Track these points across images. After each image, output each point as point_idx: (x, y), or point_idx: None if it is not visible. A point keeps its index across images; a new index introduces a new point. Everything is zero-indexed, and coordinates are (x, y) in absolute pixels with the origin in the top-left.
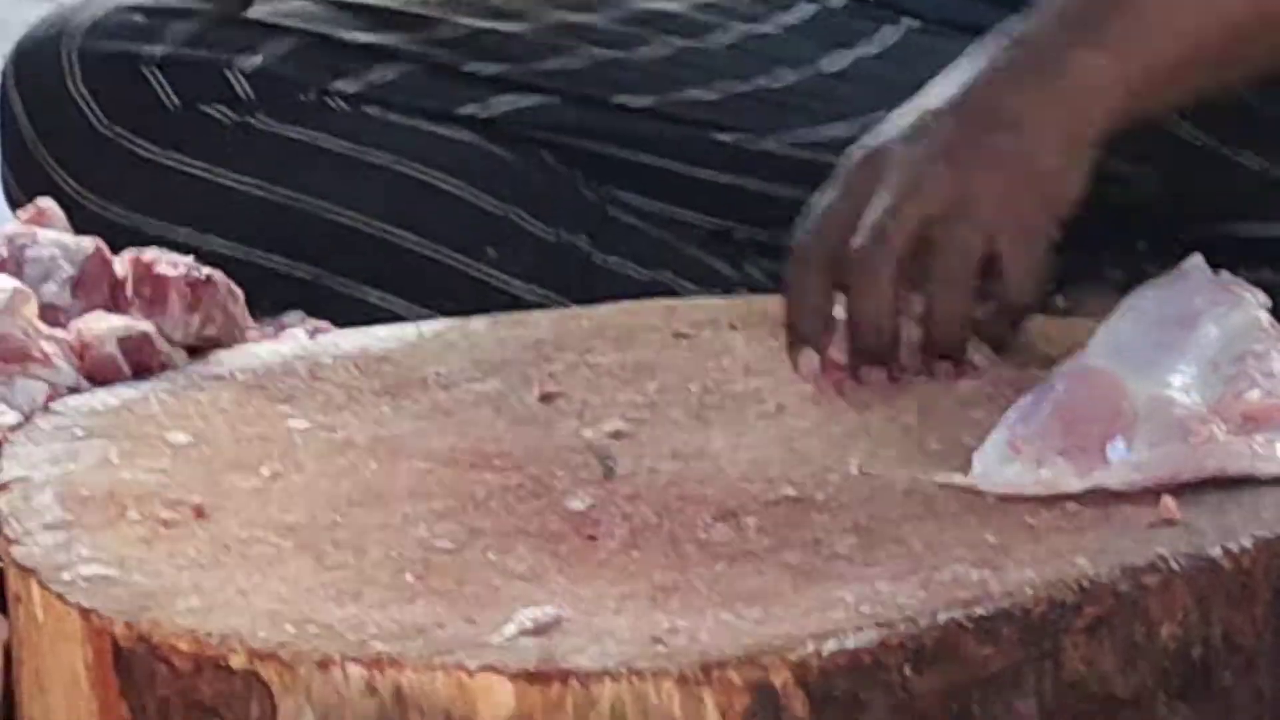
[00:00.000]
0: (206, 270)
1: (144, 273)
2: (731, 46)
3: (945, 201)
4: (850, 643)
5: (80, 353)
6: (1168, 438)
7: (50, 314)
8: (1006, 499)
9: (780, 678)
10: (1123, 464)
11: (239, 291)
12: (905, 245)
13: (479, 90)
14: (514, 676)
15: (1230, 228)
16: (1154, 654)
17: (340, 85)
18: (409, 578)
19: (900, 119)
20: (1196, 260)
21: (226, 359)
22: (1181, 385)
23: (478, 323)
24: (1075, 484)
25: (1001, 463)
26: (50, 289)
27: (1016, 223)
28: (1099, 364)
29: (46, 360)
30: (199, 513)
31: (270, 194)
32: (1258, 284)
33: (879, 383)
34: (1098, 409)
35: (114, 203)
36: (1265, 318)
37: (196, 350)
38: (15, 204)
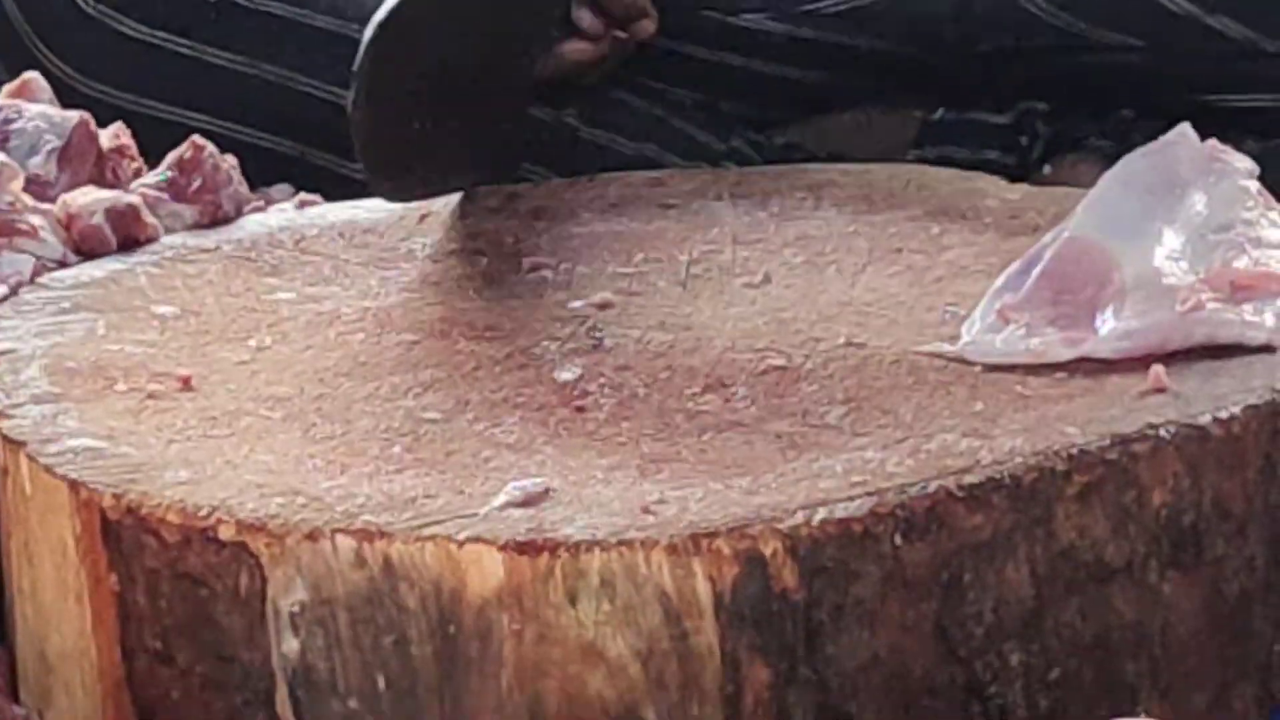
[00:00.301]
0: (199, 141)
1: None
2: None
3: None
4: (840, 512)
5: (67, 225)
6: (1157, 307)
7: (37, 187)
8: (995, 369)
9: (770, 547)
10: (1112, 333)
11: (231, 159)
12: None
13: None
14: (503, 547)
15: (1215, 98)
16: (1145, 521)
17: None
18: (397, 449)
19: None
20: (1184, 129)
21: (213, 232)
22: (1170, 254)
23: (464, 195)
24: (1065, 353)
25: (990, 332)
26: (36, 162)
27: None
28: (1086, 234)
29: (33, 233)
30: (187, 385)
31: (256, 70)
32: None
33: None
34: (1086, 279)
35: (101, 82)
36: (1253, 186)
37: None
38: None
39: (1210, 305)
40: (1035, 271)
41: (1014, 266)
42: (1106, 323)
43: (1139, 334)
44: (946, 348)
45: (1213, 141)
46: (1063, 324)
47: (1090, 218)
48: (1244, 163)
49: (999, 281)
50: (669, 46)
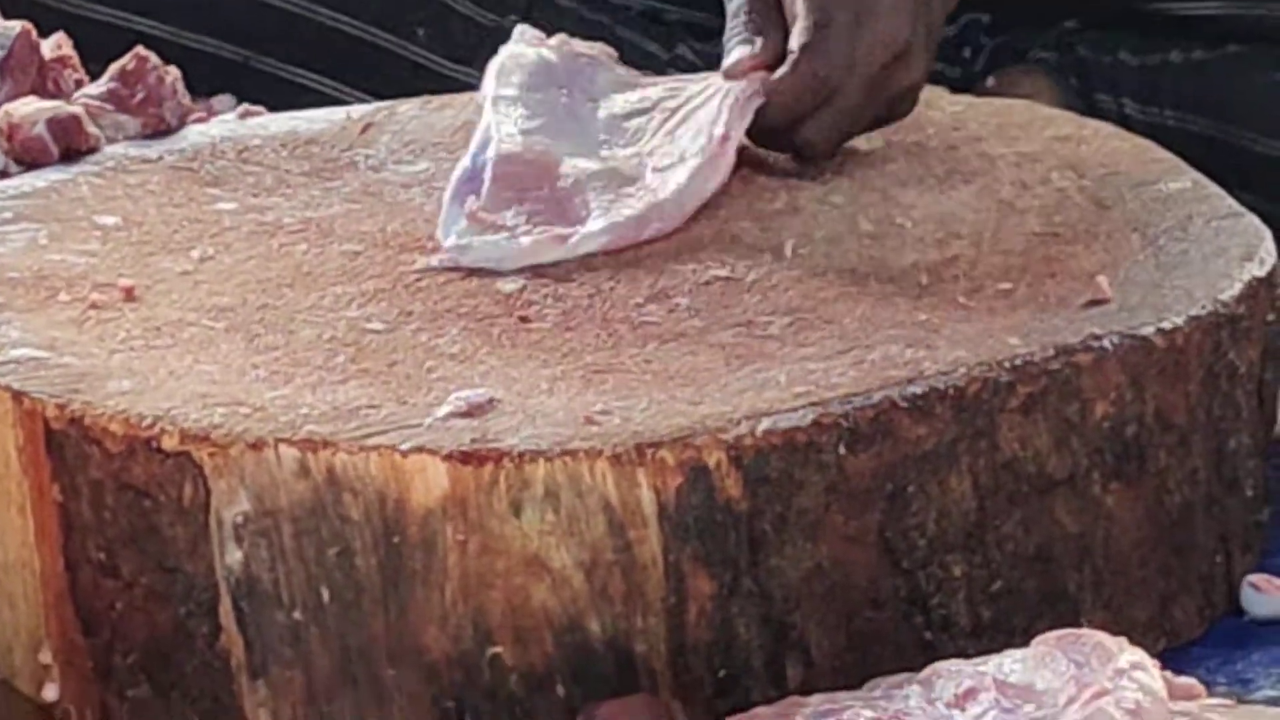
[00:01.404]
0: (143, 52)
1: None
2: None
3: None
4: (784, 422)
5: (9, 136)
6: (621, 198)
7: None
8: (938, 281)
9: (714, 457)
10: (596, 228)
11: (174, 71)
12: None
13: None
14: (447, 457)
15: (1159, 6)
16: (1088, 433)
17: None
18: (341, 359)
19: None
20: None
21: (155, 142)
22: (599, 143)
23: (408, 105)
24: (561, 251)
25: (470, 235)
26: None
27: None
28: (519, 143)
29: None
30: (129, 295)
31: None
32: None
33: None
34: (539, 179)
35: None
36: (621, 71)
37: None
38: None
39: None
40: (488, 174)
41: (460, 169)
42: (586, 217)
43: (621, 226)
44: (434, 260)
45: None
46: (540, 221)
47: (513, 132)
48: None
49: (456, 184)
50: None
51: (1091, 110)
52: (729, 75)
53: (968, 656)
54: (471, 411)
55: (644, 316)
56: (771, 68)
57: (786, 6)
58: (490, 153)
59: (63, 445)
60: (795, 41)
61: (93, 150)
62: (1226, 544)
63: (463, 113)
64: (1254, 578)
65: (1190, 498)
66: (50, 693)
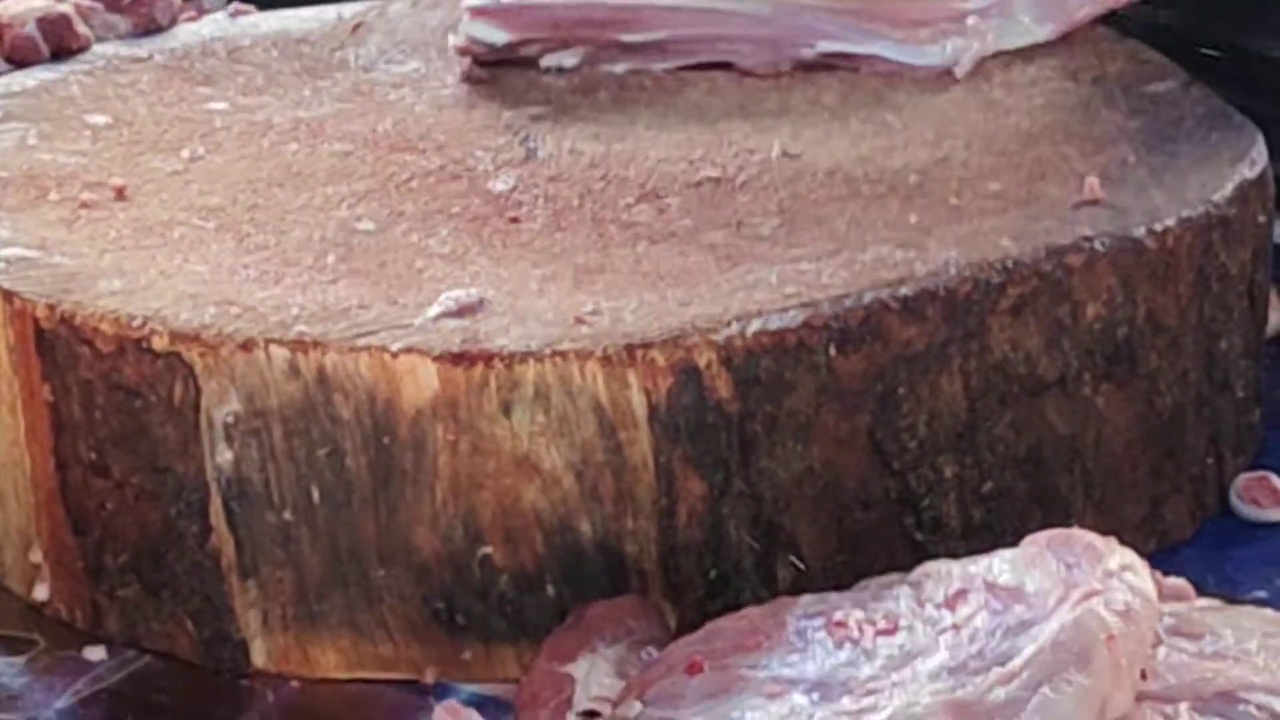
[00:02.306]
0: None
1: None
2: None
3: None
4: (774, 323)
5: None
6: None
7: None
8: (929, 180)
9: (704, 358)
10: None
11: None
12: None
13: None
14: (437, 358)
15: None
16: (1079, 335)
17: None
18: (331, 259)
19: None
20: None
21: (146, 41)
22: None
23: (398, 4)
24: None
25: None
26: None
27: None
28: None
29: None
30: (120, 194)
31: None
32: None
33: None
34: None
35: None
36: None
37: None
38: None
39: None
40: None
41: None
42: None
43: None
44: None
45: None
46: None
47: None
48: None
49: None
50: None
51: None
52: None
53: (958, 557)
54: (462, 312)
55: (634, 217)
56: None
57: None
58: None
59: (53, 345)
60: None
61: (83, 49)
62: (1217, 445)
63: (453, 12)
64: (1245, 482)
65: (1181, 399)
66: (41, 592)
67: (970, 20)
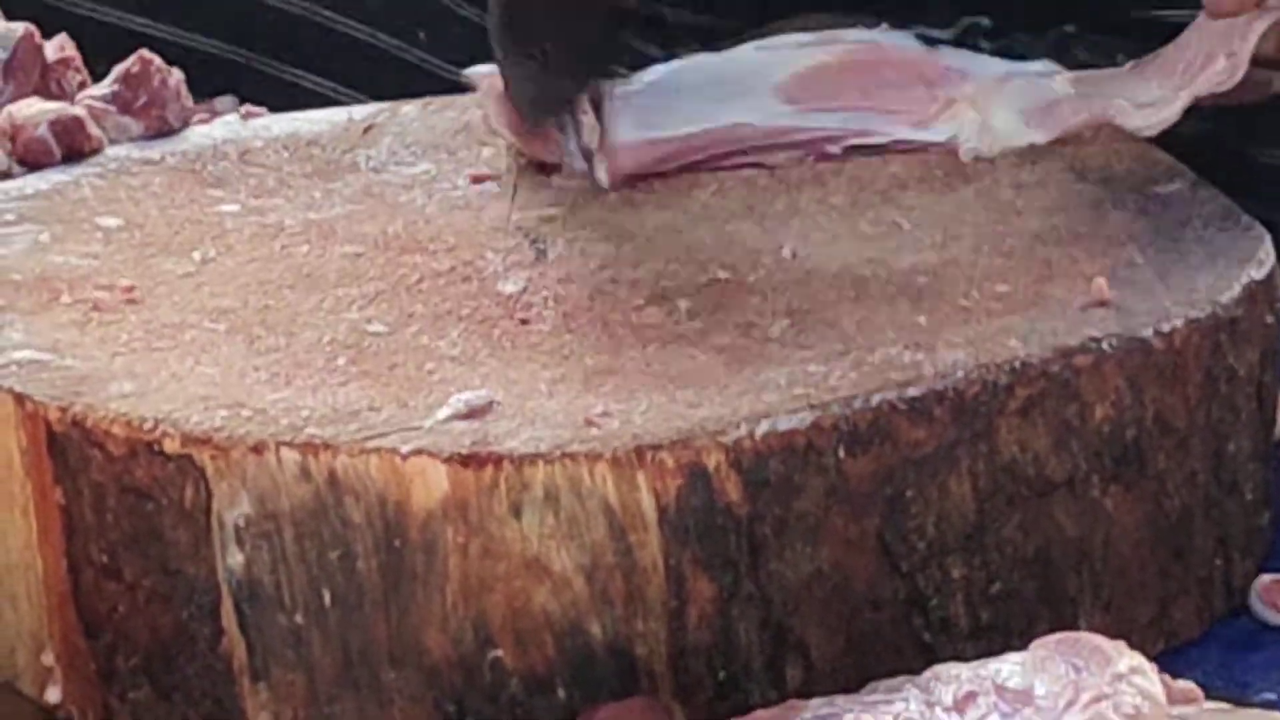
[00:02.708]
0: (147, 55)
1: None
2: None
3: None
4: (783, 424)
5: (12, 137)
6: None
7: None
8: (939, 282)
9: (713, 460)
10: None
11: (178, 74)
12: None
13: None
14: (447, 460)
15: (1161, 13)
16: (1087, 436)
17: None
18: (341, 361)
19: None
20: None
21: (158, 144)
22: None
23: (409, 106)
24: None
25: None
26: None
27: None
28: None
29: None
30: (131, 297)
31: None
32: None
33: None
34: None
35: None
36: None
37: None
38: None
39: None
40: None
41: None
42: None
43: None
44: None
45: None
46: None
47: None
48: None
49: None
50: None
51: None
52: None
53: (967, 659)
54: (472, 414)
55: (644, 319)
56: None
57: None
58: None
59: (65, 448)
60: None
61: (95, 152)
62: (1226, 546)
63: (463, 114)
64: (1266, 584)
65: (1189, 501)
66: (53, 695)
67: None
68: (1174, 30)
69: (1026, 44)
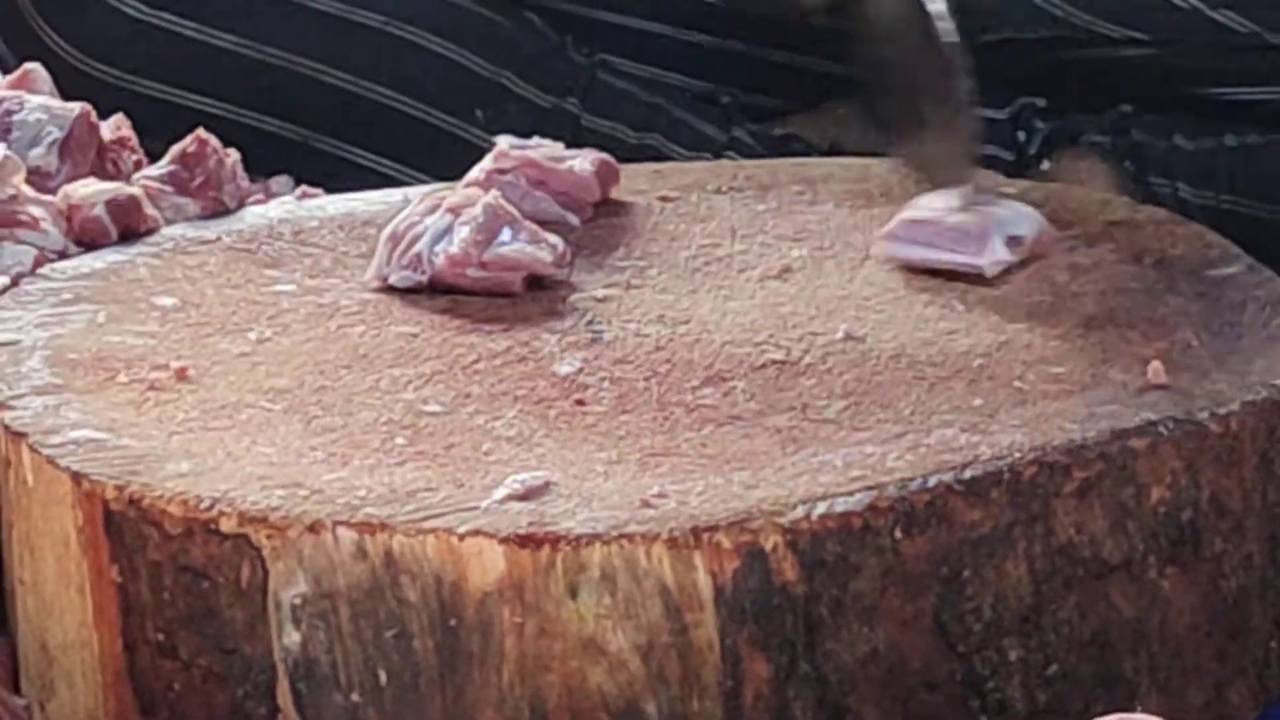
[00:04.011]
0: (204, 135)
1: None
2: None
3: None
4: (840, 506)
5: (68, 217)
6: None
7: (38, 179)
8: (993, 363)
9: (770, 541)
10: None
11: (234, 154)
12: None
13: None
14: (504, 540)
15: (1216, 91)
16: (1144, 518)
17: None
18: (398, 441)
19: None
20: None
21: (214, 223)
22: None
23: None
24: None
25: None
26: (38, 154)
27: None
28: None
29: (34, 225)
30: (187, 377)
31: (261, 54)
32: (1244, 149)
33: None
34: None
35: (102, 62)
36: None
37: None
38: (3, 67)
39: None
40: None
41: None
42: None
43: None
44: None
45: None
46: None
47: None
48: None
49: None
50: (669, 33)
51: (1146, 194)
52: None
53: None
54: (528, 494)
55: (700, 400)
56: None
57: None
58: None
59: (121, 526)
60: None
61: (151, 231)
62: None
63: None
64: None
65: (1245, 582)
66: None
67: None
68: (1231, 108)
69: (1083, 124)
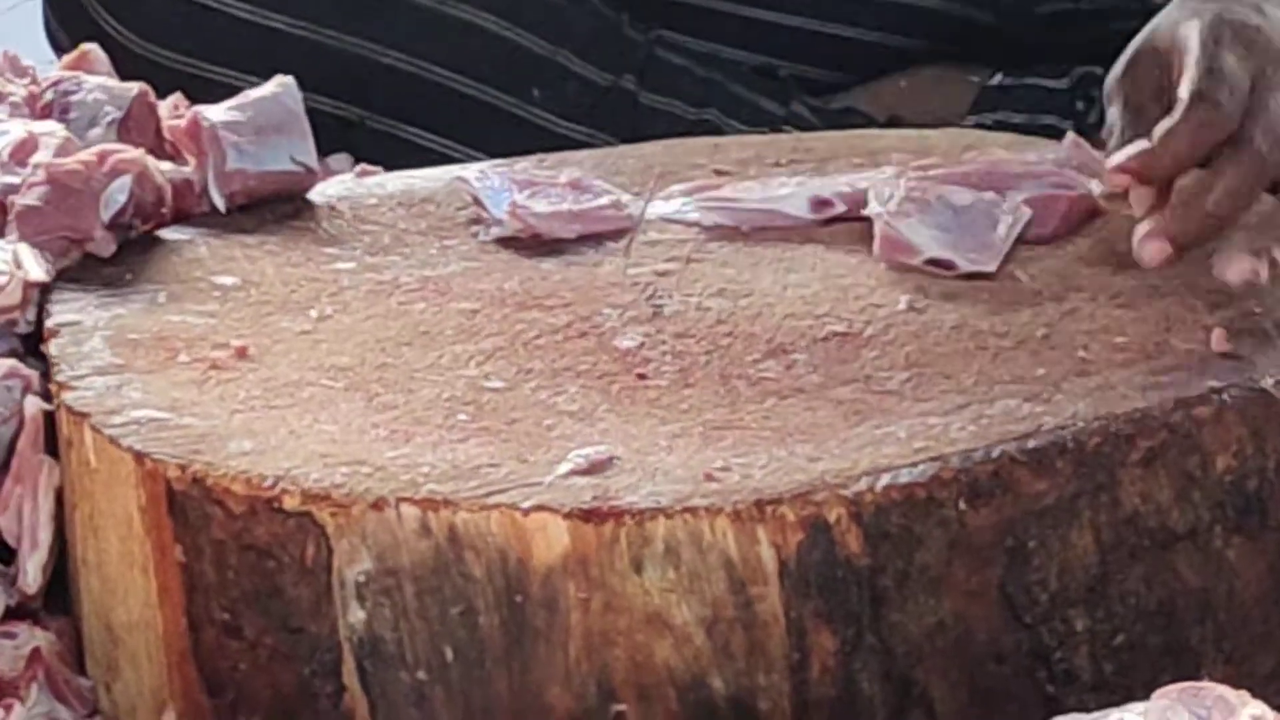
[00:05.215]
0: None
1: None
2: None
3: None
4: (904, 477)
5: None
6: None
7: None
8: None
9: (834, 513)
10: None
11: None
12: None
13: None
14: (568, 515)
15: None
16: (1209, 487)
17: None
18: (460, 418)
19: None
20: None
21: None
22: None
23: (523, 163)
24: None
25: None
26: (96, 134)
27: None
28: None
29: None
30: (248, 355)
31: (316, 35)
32: None
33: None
34: None
35: (158, 44)
36: None
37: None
38: (59, 48)
39: None
40: None
41: None
42: None
43: None
44: None
45: None
46: None
47: None
48: None
49: None
50: (726, 9)
51: None
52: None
53: (1089, 710)
54: (591, 469)
55: (762, 372)
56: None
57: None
58: None
59: (185, 506)
60: (1185, 90)
61: (209, 212)
62: None
63: (580, 170)
64: None
65: None
66: None
67: None
68: None
69: None
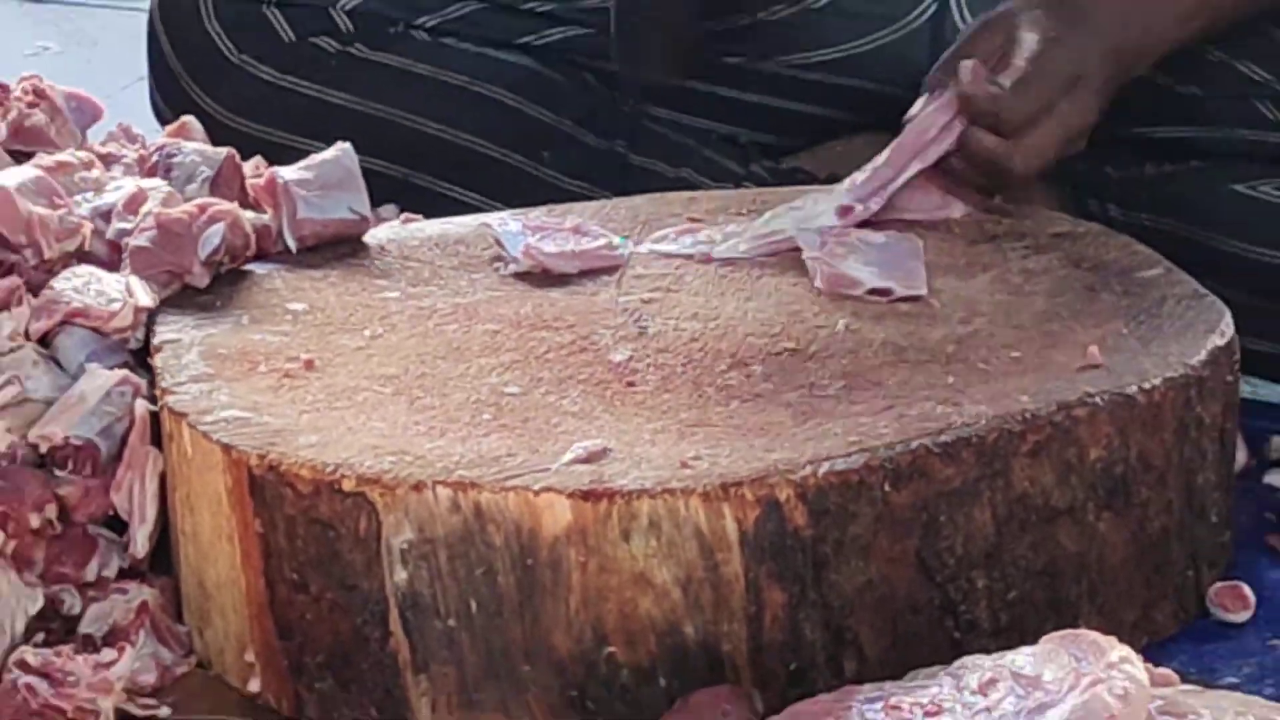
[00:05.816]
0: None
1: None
2: None
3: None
4: (840, 465)
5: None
6: None
7: None
8: (963, 350)
9: (785, 494)
10: None
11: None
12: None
13: (535, 23)
14: (570, 495)
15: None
16: (1084, 472)
17: (423, 20)
18: (484, 417)
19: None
20: None
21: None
22: None
23: (536, 212)
24: None
25: None
26: (193, 189)
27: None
28: None
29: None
30: (309, 366)
31: (368, 109)
32: (1161, 176)
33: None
34: None
35: (242, 117)
36: None
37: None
38: (163, 120)
39: None
40: None
41: None
42: None
43: None
44: None
45: None
46: None
47: None
48: None
49: None
50: (699, 88)
51: (1083, 213)
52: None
53: (989, 653)
54: (590, 458)
55: (727, 381)
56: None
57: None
58: None
59: (263, 487)
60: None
61: (284, 252)
62: (1196, 560)
63: (579, 218)
64: (1218, 590)
65: (1167, 524)
66: (254, 685)
67: None
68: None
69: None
